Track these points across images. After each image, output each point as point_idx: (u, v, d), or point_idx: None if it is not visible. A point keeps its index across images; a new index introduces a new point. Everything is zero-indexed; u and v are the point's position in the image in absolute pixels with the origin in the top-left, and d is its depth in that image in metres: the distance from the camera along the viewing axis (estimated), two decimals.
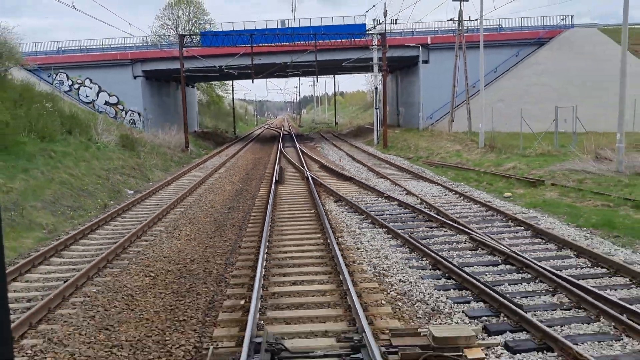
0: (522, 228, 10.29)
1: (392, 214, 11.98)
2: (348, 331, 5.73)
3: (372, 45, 32.72)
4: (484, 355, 5.08)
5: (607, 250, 8.61)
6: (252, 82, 34.17)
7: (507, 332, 5.73)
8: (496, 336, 5.69)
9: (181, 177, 21.09)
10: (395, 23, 33.21)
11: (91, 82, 37.06)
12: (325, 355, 5.16)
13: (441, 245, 9.19)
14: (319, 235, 10.10)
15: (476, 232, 9.64)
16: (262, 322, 5.98)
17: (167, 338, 5.96)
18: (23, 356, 5.52)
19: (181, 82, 33.09)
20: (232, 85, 61.22)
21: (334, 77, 67.19)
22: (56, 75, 36.57)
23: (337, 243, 8.95)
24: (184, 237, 10.91)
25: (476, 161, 21.46)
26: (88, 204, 16.38)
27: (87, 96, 37.02)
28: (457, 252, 8.80)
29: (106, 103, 37.22)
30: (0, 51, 21.75)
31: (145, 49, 38.69)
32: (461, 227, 10.08)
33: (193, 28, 76.90)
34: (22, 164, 16.60)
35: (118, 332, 6.15)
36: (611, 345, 5.35)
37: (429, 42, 37.07)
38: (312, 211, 12.47)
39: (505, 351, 5.35)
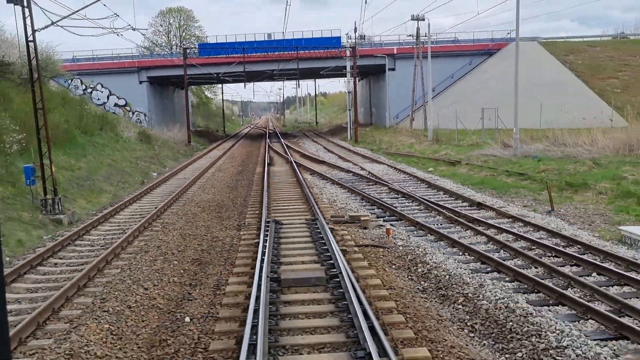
0: (425, 185, 16.76)
1: (346, 180, 18.38)
2: (311, 218, 12.05)
3: (345, 56, 39.14)
4: (369, 219, 11.49)
5: (463, 192, 15.08)
6: (245, 87, 40.42)
7: (386, 217, 12.14)
8: (380, 219, 12.10)
9: (192, 164, 27.25)
10: (364, 38, 39.65)
11: (102, 86, 42.89)
12: (301, 223, 11.49)
13: (369, 191, 15.61)
14: (299, 189, 16.43)
15: (394, 186, 16.08)
16: (268, 217, 12.27)
17: (222, 223, 12.25)
18: (157, 231, 11.71)
19: (185, 89, 39.20)
20: (222, 88, 67.14)
21: (315, 81, 73.62)
22: (71, 80, 42.30)
23: (309, 190, 15.30)
24: (212, 193, 17.16)
25: (422, 150, 28.02)
26: (130, 180, 22.53)
27: (98, 99, 42.81)
28: (377, 193, 15.24)
29: (115, 105, 43.06)
30: (45, 64, 27.65)
31: (149, 58, 44.64)
32: (386, 184, 16.52)
33: (184, 34, 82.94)
34: (80, 151, 22.68)
35: (195, 223, 12.41)
36: (433, 218, 11.77)
37: (395, 52, 43.66)
38: (294, 179, 18.80)
39: (382, 222, 11.74)
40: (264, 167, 22.02)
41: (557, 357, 5.42)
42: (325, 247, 9.06)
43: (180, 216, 13.12)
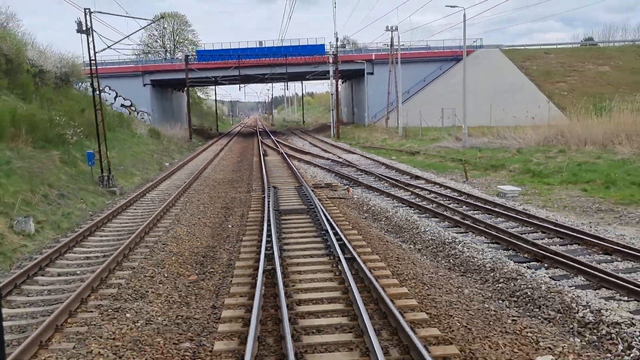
0: (384, 167, 22.30)
1: (325, 164, 23.85)
2: (298, 185, 17.45)
3: (329, 62, 44.67)
4: (338, 185, 16.99)
5: (410, 171, 20.60)
6: (240, 89, 45.79)
7: (350, 184, 17.64)
8: (345, 185, 17.58)
9: (198, 156, 32.54)
10: (344, 46, 45.19)
11: (110, 88, 47.94)
12: (291, 188, 16.91)
13: (342, 171, 21.11)
14: (289, 170, 21.86)
15: (360, 167, 21.59)
16: (269, 185, 17.65)
17: (236, 189, 17.65)
18: (192, 194, 17.05)
19: (186, 92, 44.42)
20: (215, 90, 72.28)
21: (302, 83, 79.12)
22: (82, 83, 47.31)
23: (296, 170, 20.75)
24: (222, 174, 22.52)
25: (391, 144, 33.60)
26: (150, 168, 27.79)
27: (106, 100, 47.77)
28: (347, 172, 20.75)
29: (122, 105, 48.13)
30: (71, 71, 32.79)
31: (152, 63, 49.80)
32: (355, 166, 22.04)
33: (177, 38, 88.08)
34: (109, 144, 27.81)
35: (216, 190, 17.79)
36: (381, 184, 17.29)
37: (374, 58, 49.29)
38: (285, 164, 24.22)
39: (346, 187, 17.22)
40: (260, 157, 27.39)
41: (423, 235, 10.90)
42: (308, 198, 14.48)
43: (204, 187, 18.50)
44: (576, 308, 6.52)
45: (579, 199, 14.23)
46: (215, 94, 75.24)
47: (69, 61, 33.74)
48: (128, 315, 6.75)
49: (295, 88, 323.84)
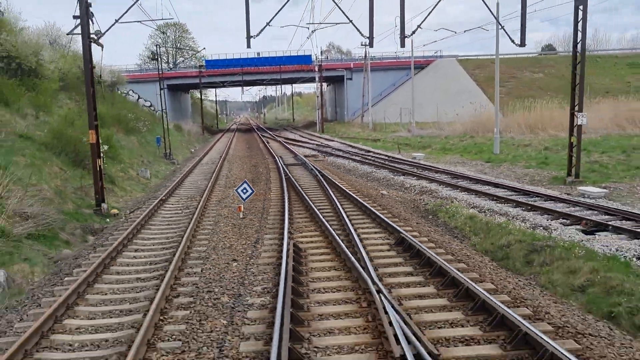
0: (351, 147, 33.63)
1: (311, 147, 35.07)
2: (294, 156, 28.62)
3: (314, 70, 55.95)
4: (319, 156, 28.31)
5: (367, 149, 31.90)
6: (242, 92, 56.98)
7: (326, 156, 28.93)
8: (323, 156, 28.88)
9: (215, 145, 43.53)
10: (327, 58, 56.42)
11: (133, 92, 58.65)
12: (291, 158, 28.11)
13: (322, 150, 32.38)
14: (287, 150, 33.06)
15: (335, 148, 32.90)
16: (277, 156, 28.79)
17: (255, 159, 28.85)
18: (228, 162, 28.17)
19: (200, 96, 55.42)
20: (215, 92, 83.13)
21: (292, 86, 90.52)
22: (123, 87, 57.98)
23: (292, 149, 31.98)
24: (240, 152, 33.65)
25: (363, 135, 44.92)
26: (185, 151, 38.85)
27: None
28: (325, 150, 32.05)
29: (142, 106, 58.89)
30: (117, 80, 43.67)
31: (167, 71, 60.76)
32: (332, 147, 33.37)
33: (178, 45, 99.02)
34: (153, 134, 38.82)
35: (243, 161, 28.96)
36: (346, 154, 28.61)
37: (352, 67, 60.64)
38: (284, 147, 35.40)
39: (323, 157, 28.49)
40: (264, 144, 38.55)
41: (359, 171, 22.12)
42: (301, 160, 25.63)
43: (234, 158, 29.63)
44: (407, 184, 17.79)
45: (454, 159, 25.63)
46: (216, 96, 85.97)
47: (115, 72, 44.80)
48: (228, 200, 17.89)
49: (284, 89, 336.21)
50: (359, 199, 14.10)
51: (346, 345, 5.89)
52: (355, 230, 10.63)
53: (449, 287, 7.53)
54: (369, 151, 30.25)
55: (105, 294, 8.01)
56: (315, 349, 5.80)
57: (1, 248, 10.67)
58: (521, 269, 9.22)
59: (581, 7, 16.72)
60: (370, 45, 17.23)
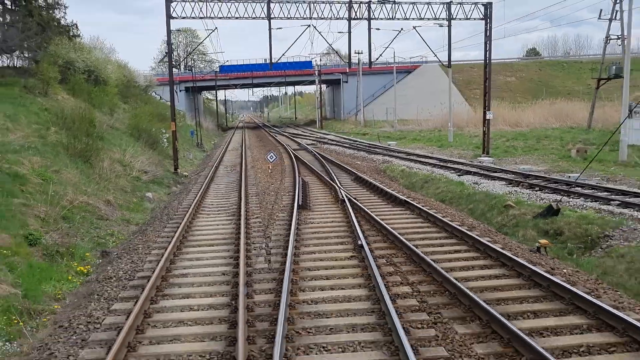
0: (343, 139, 42.83)
1: (311, 139, 44.25)
2: (299, 143, 37.78)
3: (314, 75, 65.11)
4: (318, 144, 37.55)
5: (355, 140, 41.08)
6: (252, 94, 66.14)
7: (323, 144, 38.15)
8: (320, 144, 38.15)
9: (232, 138, 52.68)
10: (325, 65, 65.60)
11: (155, 93, 67.86)
12: (296, 144, 37.28)
13: (320, 140, 41.58)
14: (293, 141, 42.24)
15: (330, 138, 42.08)
16: (285, 145, 37.96)
17: (269, 147, 38.06)
18: (246, 147, 37.36)
19: (215, 97, 64.65)
20: (225, 94, 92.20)
21: (294, 87, 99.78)
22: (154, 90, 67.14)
23: (297, 140, 41.15)
24: (255, 143, 42.80)
25: (355, 130, 54.08)
26: (208, 144, 48.10)
27: None
28: (323, 140, 41.27)
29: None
30: (150, 84, 52.90)
31: (185, 75, 70.04)
32: (328, 139, 42.56)
33: (188, 49, 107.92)
34: (181, 131, 48.11)
35: (259, 147, 38.14)
36: (339, 142, 37.79)
37: (348, 71, 69.80)
38: (290, 139, 44.57)
39: (319, 144, 37.69)
40: (273, 137, 47.68)
41: (346, 153, 31.24)
42: (304, 147, 34.73)
43: (252, 146, 38.77)
44: (375, 158, 26.90)
45: (418, 145, 34.75)
46: (225, 97, 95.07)
47: (148, 77, 54.16)
48: (257, 167, 27.01)
49: (286, 89, 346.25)
50: (341, 164, 23.25)
51: (325, 203, 15.00)
52: (335, 175, 19.73)
53: (377, 192, 16.61)
54: (356, 141, 39.44)
55: (214, 197, 17.13)
56: (313, 206, 14.90)
57: (141, 185, 19.88)
58: (418, 189, 18.36)
59: (488, 50, 25.83)
60: (349, 66, 26.36)
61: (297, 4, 24.83)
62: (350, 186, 17.72)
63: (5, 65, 29.64)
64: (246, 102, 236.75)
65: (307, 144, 37.25)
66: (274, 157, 23.18)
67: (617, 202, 13.46)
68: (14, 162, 13.90)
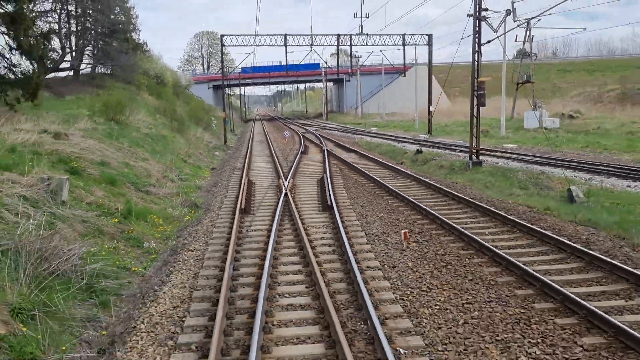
0: (342, 127, 56.78)
1: (315, 127, 58.23)
2: (304, 130, 51.74)
3: (322, 75, 79.07)
4: (319, 130, 51.59)
5: (352, 129, 55.00)
6: (269, 90, 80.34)
7: (325, 130, 52.13)
8: (322, 130, 52.08)
9: (253, 127, 66.85)
10: (329, 66, 79.56)
11: (188, 90, 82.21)
12: (302, 130, 51.30)
13: (324, 128, 55.53)
14: (304, 129, 56.27)
15: (332, 127, 56.04)
16: (295, 130, 51.94)
17: (284, 131, 52.21)
18: (267, 132, 51.43)
19: (239, 93, 78.93)
20: (240, 90, 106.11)
21: (305, 85, 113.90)
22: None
23: (305, 127, 55.18)
24: (272, 130, 56.88)
25: (353, 121, 67.98)
26: (236, 131, 62.40)
27: None
28: (325, 128, 55.24)
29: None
30: (189, 84, 67.30)
31: (213, 75, 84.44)
32: (330, 127, 56.54)
33: (210, 49, 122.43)
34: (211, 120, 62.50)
35: (277, 132, 52.21)
36: (340, 130, 51.73)
37: (350, 71, 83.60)
38: (301, 127, 58.59)
39: (322, 130, 51.72)
40: (287, 126, 61.67)
41: (342, 135, 45.14)
42: (312, 133, 48.61)
43: (272, 131, 52.79)
44: (356, 137, 40.73)
45: (392, 130, 48.54)
46: (240, 92, 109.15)
47: (187, 78, 68.82)
48: (278, 142, 41.02)
49: (298, 85, 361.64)
50: (331, 139, 37.19)
51: (315, 152, 28.98)
52: (324, 143, 33.57)
53: (344, 149, 30.45)
54: (349, 128, 53.34)
55: (256, 152, 31.13)
56: (309, 153, 28.80)
57: (210, 149, 34.07)
58: (372, 149, 32.29)
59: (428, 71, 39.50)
60: (337, 74, 40.19)
61: (303, 37, 38.86)
62: (331, 147, 31.71)
63: (103, 72, 43.93)
64: (260, 97, 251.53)
65: (313, 130, 51.23)
66: (288, 134, 37.27)
67: (448, 148, 27.18)
68: (158, 130, 28.04)
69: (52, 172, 12.34)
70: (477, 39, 20.69)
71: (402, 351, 5.92)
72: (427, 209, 12.82)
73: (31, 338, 6.42)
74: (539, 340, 6.21)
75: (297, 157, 25.28)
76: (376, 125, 57.06)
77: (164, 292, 8.28)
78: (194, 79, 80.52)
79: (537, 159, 22.17)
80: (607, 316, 6.35)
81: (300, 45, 37.98)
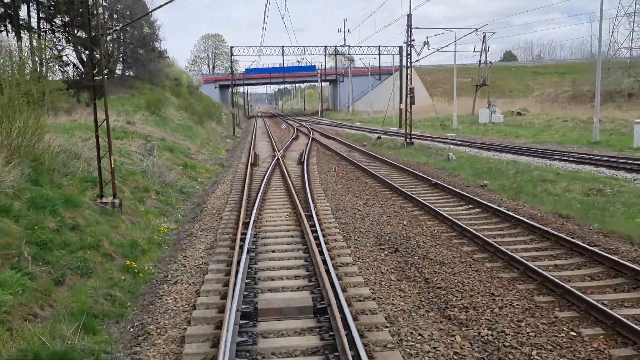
0: (333, 122, 66.32)
1: (309, 123, 67.77)
2: (299, 124, 61.25)
3: (317, 76, 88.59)
4: (312, 124, 61.17)
5: (342, 124, 64.55)
6: (270, 89, 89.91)
7: (316, 124, 61.71)
8: (315, 124, 61.64)
9: (256, 123, 76.43)
10: (326, 69, 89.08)
11: (196, 89, 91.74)
12: (300, 125, 60.81)
13: (318, 123, 65.08)
14: (299, 124, 65.79)
15: (325, 123, 65.55)
16: (293, 122, 61.41)
17: (280, 124, 61.72)
18: (268, 125, 60.92)
19: (244, 92, 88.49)
20: (244, 89, 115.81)
21: (302, 85, 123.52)
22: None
23: (300, 122, 64.71)
24: (272, 125, 66.39)
25: (344, 117, 77.48)
26: (241, 125, 72.04)
27: None
28: (319, 123, 64.78)
29: None
30: (199, 84, 76.92)
31: (219, 75, 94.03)
32: (323, 122, 66.06)
33: (215, 51, 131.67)
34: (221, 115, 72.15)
35: (275, 127, 61.71)
36: (330, 123, 61.27)
37: (343, 72, 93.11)
38: (297, 122, 68.12)
39: (313, 124, 61.24)
40: (285, 121, 71.17)
41: (330, 128, 54.64)
42: (304, 126, 58.06)
43: (272, 125, 62.31)
44: (339, 130, 50.27)
45: (372, 125, 57.99)
46: (244, 91, 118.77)
47: (198, 79, 78.39)
48: (278, 132, 50.50)
49: (297, 85, 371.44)
50: (319, 130, 46.65)
51: (304, 138, 38.52)
52: (312, 133, 42.99)
53: (326, 137, 39.91)
54: (338, 123, 62.80)
55: (259, 138, 40.63)
56: (298, 139, 38.34)
57: (223, 137, 43.66)
58: (349, 138, 41.80)
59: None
60: (321, 78, 49.66)
61: (297, 48, 48.30)
62: (317, 136, 41.18)
63: (130, 75, 53.39)
64: (261, 95, 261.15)
65: (307, 124, 60.71)
66: (284, 126, 46.79)
67: (402, 135, 36.59)
68: (185, 122, 37.54)
69: (143, 141, 21.87)
70: (408, 59, 30.14)
71: (316, 199, 15.45)
72: (359, 163, 22.37)
73: (164, 200, 15.94)
74: (377, 197, 15.68)
75: (289, 142, 34.77)
76: (361, 121, 66.48)
77: (214, 192, 17.79)
78: (202, 79, 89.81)
79: (455, 141, 31.65)
80: (420, 199, 15.84)
81: (294, 55, 47.38)
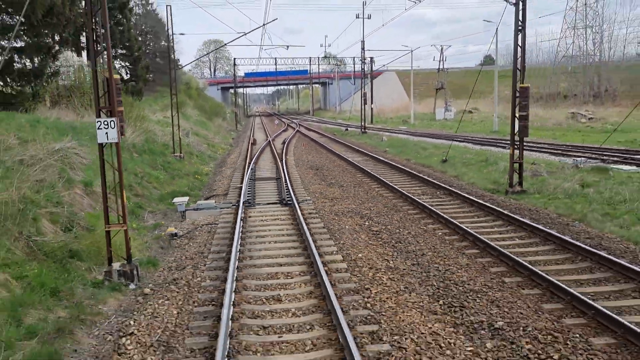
0: (319, 119, 78.22)
1: (299, 120, 79.68)
2: (294, 121, 73.11)
3: (309, 78, 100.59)
4: (306, 122, 73.22)
5: (326, 120, 76.42)
6: (268, 90, 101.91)
7: (307, 121, 73.69)
8: (306, 122, 73.63)
9: (254, 121, 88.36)
10: (319, 73, 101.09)
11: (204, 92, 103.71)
12: (292, 121, 72.72)
13: (307, 120, 77.04)
14: (292, 122, 77.70)
15: (314, 120, 77.47)
16: (286, 121, 73.30)
17: (276, 122, 73.63)
18: (266, 123, 72.89)
19: (244, 93, 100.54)
20: (244, 91, 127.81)
21: (297, 86, 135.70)
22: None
23: (292, 119, 76.67)
24: (269, 122, 78.35)
25: (332, 116, 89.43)
26: (241, 123, 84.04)
27: None
28: (308, 120, 76.74)
29: None
30: (204, 87, 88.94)
31: (221, 78, 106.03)
32: (312, 120, 77.99)
33: (216, 55, 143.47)
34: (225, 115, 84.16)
35: (271, 124, 73.66)
36: (315, 121, 73.17)
37: (333, 76, 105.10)
38: (290, 120, 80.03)
39: (305, 122, 73.19)
40: (280, 119, 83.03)
41: (316, 125, 66.56)
42: (294, 122, 69.92)
43: (268, 122, 74.23)
44: (323, 125, 62.17)
45: (352, 122, 69.91)
46: (243, 92, 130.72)
47: (204, 82, 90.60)
48: (271, 126, 62.47)
49: (292, 87, 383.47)
50: (305, 126, 58.59)
51: (292, 130, 50.53)
52: (299, 127, 54.82)
53: (310, 130, 51.82)
54: (324, 120, 74.70)
55: (257, 131, 52.54)
56: (287, 130, 50.32)
57: (228, 131, 55.69)
58: (328, 131, 53.76)
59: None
60: (310, 81, 61.62)
61: (287, 59, 60.18)
62: (302, 130, 53.09)
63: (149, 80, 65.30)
64: (259, 96, 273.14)
65: (296, 121, 72.54)
66: (277, 122, 58.74)
67: (364, 128, 48.43)
68: (200, 118, 49.43)
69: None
70: (363, 73, 42.05)
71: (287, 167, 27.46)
72: (321, 143, 34.28)
73: (201, 158, 27.97)
74: (321, 156, 27.64)
75: (279, 132, 46.65)
76: (344, 119, 78.34)
77: (230, 157, 29.76)
78: (208, 81, 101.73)
79: (402, 132, 43.53)
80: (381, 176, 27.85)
81: (285, 64, 59.22)
